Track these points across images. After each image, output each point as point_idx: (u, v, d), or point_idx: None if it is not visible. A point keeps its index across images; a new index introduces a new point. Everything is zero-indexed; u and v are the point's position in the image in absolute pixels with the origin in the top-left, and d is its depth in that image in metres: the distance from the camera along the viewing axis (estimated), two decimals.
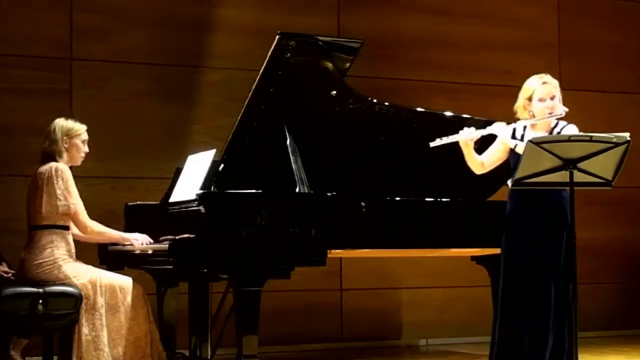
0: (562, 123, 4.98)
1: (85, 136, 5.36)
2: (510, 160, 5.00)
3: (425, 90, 7.88)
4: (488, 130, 4.99)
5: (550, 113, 4.90)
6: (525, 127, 4.99)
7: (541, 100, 4.92)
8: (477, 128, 5.02)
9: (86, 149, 5.37)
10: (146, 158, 7.09)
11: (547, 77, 4.98)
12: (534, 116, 4.95)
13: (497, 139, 5.04)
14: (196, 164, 5.57)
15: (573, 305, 4.63)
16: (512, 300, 4.91)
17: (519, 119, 5.02)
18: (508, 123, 5.02)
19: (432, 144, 5.04)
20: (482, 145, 5.14)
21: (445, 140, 5.00)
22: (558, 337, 4.87)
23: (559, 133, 4.91)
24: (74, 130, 5.31)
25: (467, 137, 4.95)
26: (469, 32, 8.22)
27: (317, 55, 5.47)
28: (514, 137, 4.98)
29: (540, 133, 4.95)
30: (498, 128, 4.98)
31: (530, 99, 4.96)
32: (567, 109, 4.91)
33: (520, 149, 4.84)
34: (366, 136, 5.80)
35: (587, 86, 8.49)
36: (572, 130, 4.91)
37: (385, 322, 7.88)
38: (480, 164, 5.06)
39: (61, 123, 5.31)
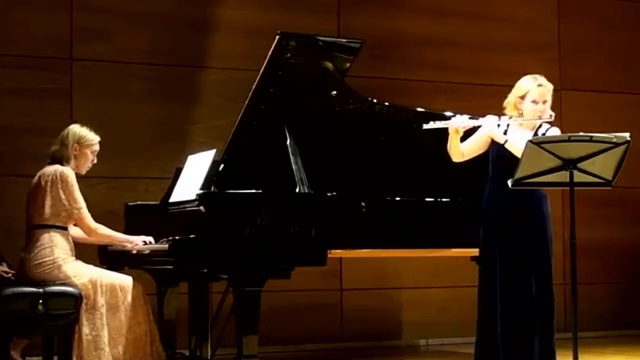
0: (545, 125, 5.00)
1: (96, 147, 5.34)
2: (491, 154, 5.03)
3: (425, 90, 7.87)
4: (481, 121, 5.01)
5: (540, 117, 4.90)
6: (508, 125, 5.00)
7: (534, 102, 4.94)
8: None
9: (94, 160, 5.36)
10: (146, 158, 7.09)
11: (542, 80, 4.99)
12: (522, 114, 4.96)
13: (481, 131, 5.05)
14: (196, 164, 5.57)
15: (573, 305, 4.63)
16: (489, 298, 4.93)
17: (505, 115, 5.04)
18: (499, 116, 5.04)
19: (425, 126, 5.05)
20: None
21: (439, 124, 5.02)
22: (546, 340, 4.85)
23: (543, 134, 4.93)
24: (86, 139, 5.30)
25: (459, 124, 4.96)
26: (469, 32, 8.21)
27: (317, 56, 5.48)
28: None
29: (525, 131, 4.96)
30: (490, 121, 4.98)
31: (523, 97, 4.97)
32: (554, 114, 4.94)
33: (509, 146, 4.85)
34: (366, 136, 5.81)
35: (587, 86, 8.48)
36: (555, 133, 4.93)
37: (385, 322, 7.87)
38: (461, 153, 5.08)
39: (75, 129, 5.31)
